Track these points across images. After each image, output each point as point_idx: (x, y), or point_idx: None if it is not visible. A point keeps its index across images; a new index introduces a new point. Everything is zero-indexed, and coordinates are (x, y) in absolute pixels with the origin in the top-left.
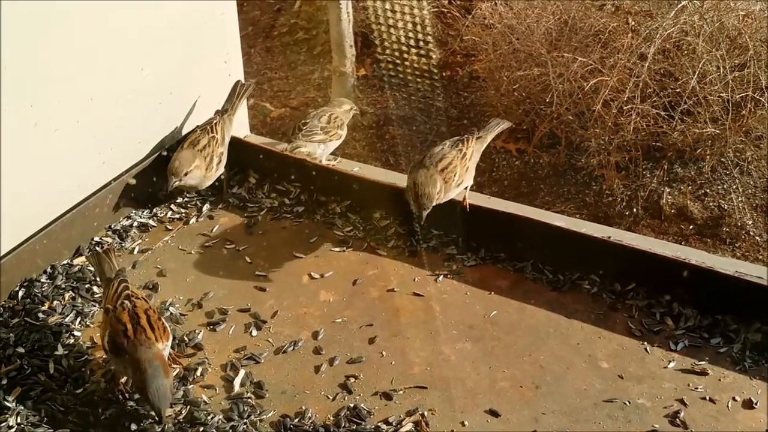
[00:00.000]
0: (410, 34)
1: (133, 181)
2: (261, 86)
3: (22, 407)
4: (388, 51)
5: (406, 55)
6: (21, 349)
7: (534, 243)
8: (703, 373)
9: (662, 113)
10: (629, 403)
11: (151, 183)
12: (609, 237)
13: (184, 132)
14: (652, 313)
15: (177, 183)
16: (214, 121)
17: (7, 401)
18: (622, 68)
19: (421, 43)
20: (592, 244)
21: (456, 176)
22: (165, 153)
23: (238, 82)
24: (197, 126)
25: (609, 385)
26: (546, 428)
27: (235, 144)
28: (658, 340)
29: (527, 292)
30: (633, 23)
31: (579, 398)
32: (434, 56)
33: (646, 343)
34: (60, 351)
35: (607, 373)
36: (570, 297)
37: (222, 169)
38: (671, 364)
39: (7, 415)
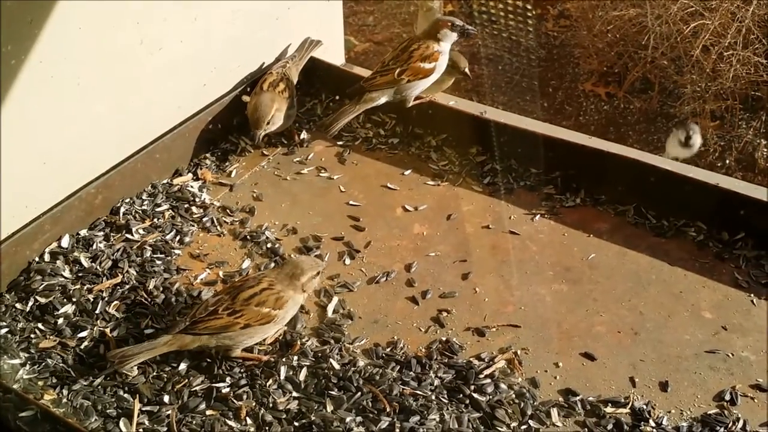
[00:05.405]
0: None
1: (246, 98)
2: (346, 19)
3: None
4: None
5: None
6: (122, 264)
7: (637, 186)
8: None
9: (763, 61)
10: (732, 355)
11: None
12: (718, 183)
13: (280, 55)
14: (760, 264)
15: (262, 134)
16: (288, 65)
17: (108, 312)
18: (724, 12)
19: None
20: (700, 190)
21: None
22: (249, 89)
23: (307, 38)
24: (270, 68)
25: (711, 335)
26: (644, 375)
27: (332, 72)
28: (765, 293)
29: (628, 237)
30: None
31: (679, 347)
32: None
33: (752, 295)
34: (158, 267)
35: (710, 323)
36: (674, 244)
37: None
38: None
39: (109, 326)
